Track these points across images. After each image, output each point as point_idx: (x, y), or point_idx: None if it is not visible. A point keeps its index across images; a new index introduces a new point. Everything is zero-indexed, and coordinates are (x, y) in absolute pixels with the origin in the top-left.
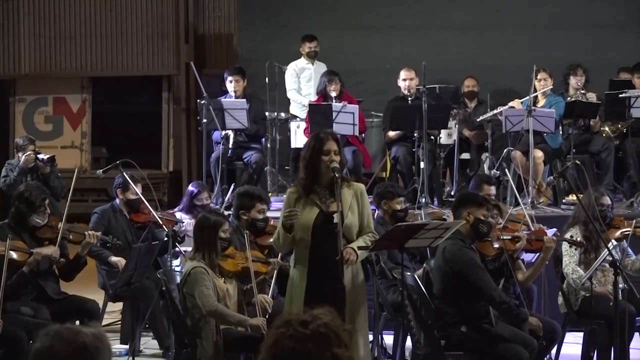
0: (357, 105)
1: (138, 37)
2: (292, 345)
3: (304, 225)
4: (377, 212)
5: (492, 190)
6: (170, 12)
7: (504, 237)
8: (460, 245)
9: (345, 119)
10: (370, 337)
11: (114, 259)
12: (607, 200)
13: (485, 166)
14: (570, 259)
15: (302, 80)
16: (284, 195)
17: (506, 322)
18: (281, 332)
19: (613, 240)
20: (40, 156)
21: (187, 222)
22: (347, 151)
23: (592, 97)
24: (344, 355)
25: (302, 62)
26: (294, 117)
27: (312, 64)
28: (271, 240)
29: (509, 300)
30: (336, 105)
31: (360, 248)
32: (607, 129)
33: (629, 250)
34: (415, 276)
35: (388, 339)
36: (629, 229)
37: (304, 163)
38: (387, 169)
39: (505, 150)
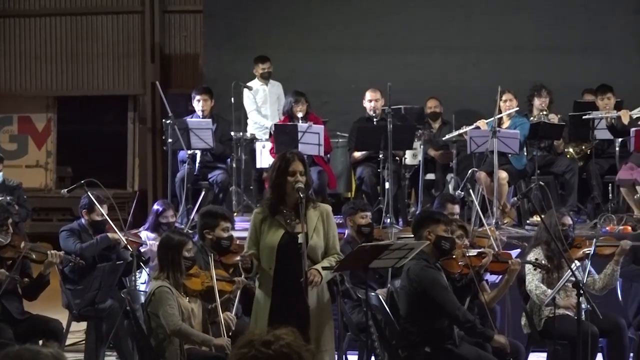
0: (322, 126)
1: (104, 56)
2: None
3: (269, 246)
4: (347, 231)
5: (456, 209)
6: (136, 31)
7: (470, 254)
8: (423, 265)
9: (311, 139)
10: (335, 358)
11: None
12: (568, 220)
13: (450, 186)
14: (533, 277)
15: (258, 102)
16: (249, 215)
17: (472, 341)
18: (243, 352)
19: (576, 261)
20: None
21: (151, 242)
22: (312, 171)
23: (553, 118)
24: None
25: (256, 83)
26: (256, 138)
27: (266, 84)
28: (236, 258)
29: (473, 319)
30: (302, 125)
31: (324, 269)
32: (571, 150)
33: (591, 269)
34: (380, 296)
35: (352, 359)
36: (590, 248)
37: (270, 183)
38: (352, 189)
39: (469, 171)
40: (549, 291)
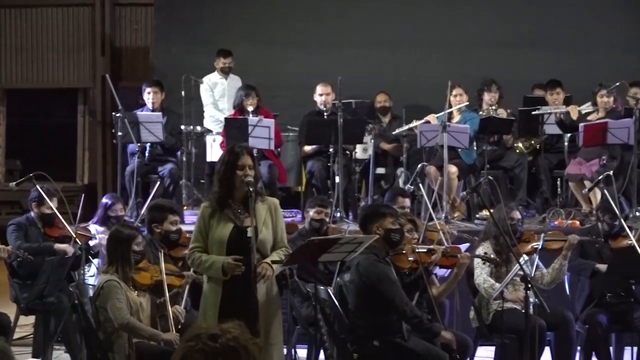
0: (273, 120)
1: (54, 49)
2: (202, 359)
3: (218, 241)
4: (303, 225)
5: (407, 202)
6: (87, 24)
7: (419, 250)
8: (373, 260)
9: (261, 133)
10: (284, 351)
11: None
12: (517, 214)
13: (401, 181)
14: (481, 270)
15: (216, 95)
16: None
17: (419, 336)
18: (190, 345)
19: (524, 255)
20: None
21: (100, 236)
22: (262, 165)
23: (502, 113)
24: None
25: (215, 76)
26: (210, 131)
27: (226, 79)
28: (185, 252)
29: (420, 314)
30: (252, 119)
31: (274, 262)
32: (520, 145)
33: (540, 263)
34: (329, 290)
35: (302, 353)
36: (539, 242)
37: (218, 177)
38: (303, 183)
39: (419, 165)
40: (497, 285)
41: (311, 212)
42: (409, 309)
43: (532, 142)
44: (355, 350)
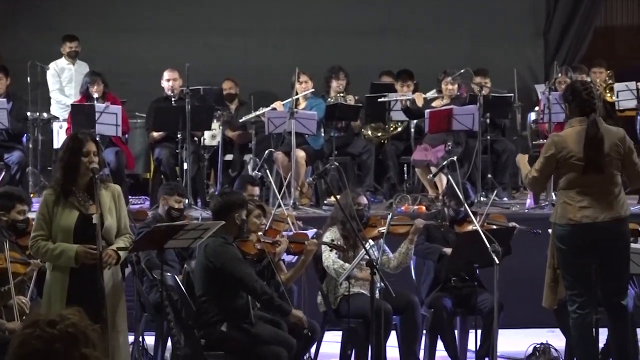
0: (120, 106)
1: None
2: (40, 346)
3: (64, 229)
4: (158, 209)
5: (256, 190)
6: None
7: (265, 241)
8: (221, 242)
9: (109, 119)
10: (132, 339)
11: None
12: (363, 199)
13: (249, 167)
14: (329, 253)
15: (63, 81)
16: None
17: (267, 319)
18: (28, 332)
19: (370, 240)
20: None
21: None
22: (110, 152)
23: (350, 99)
24: (93, 355)
25: (62, 62)
26: (56, 117)
27: (73, 64)
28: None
29: (271, 292)
30: (99, 105)
31: (120, 249)
32: (369, 132)
33: (386, 248)
34: (176, 277)
35: (150, 340)
36: (385, 227)
37: (61, 164)
38: (151, 170)
39: (266, 152)
40: (347, 265)
41: (171, 201)
42: (258, 286)
43: (390, 129)
44: (203, 336)
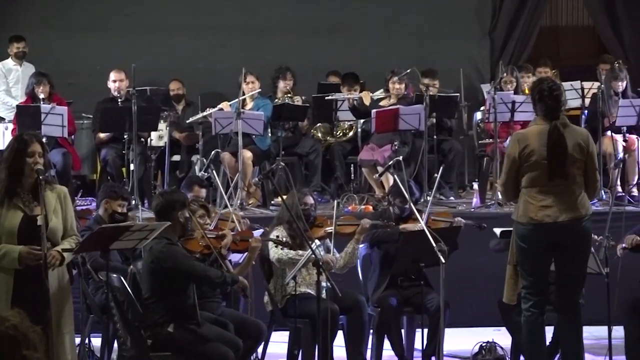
0: (66, 107)
1: None
2: None
3: (8, 230)
4: (97, 211)
5: (203, 192)
6: None
7: (209, 236)
8: (165, 243)
9: (55, 120)
10: (78, 340)
11: None
12: (310, 199)
13: (197, 168)
14: (276, 249)
15: (10, 82)
16: None
17: (211, 319)
18: None
19: (317, 240)
20: None
21: None
22: (56, 153)
23: (297, 100)
24: (34, 356)
25: (9, 63)
26: (2, 119)
27: (20, 65)
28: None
29: (221, 273)
30: (45, 107)
31: (65, 250)
32: (319, 134)
33: (333, 248)
34: (122, 278)
35: (96, 342)
36: (332, 227)
37: (6, 165)
38: (98, 171)
39: (213, 152)
40: (300, 252)
41: (114, 205)
42: (210, 273)
43: (345, 129)
44: (149, 337)
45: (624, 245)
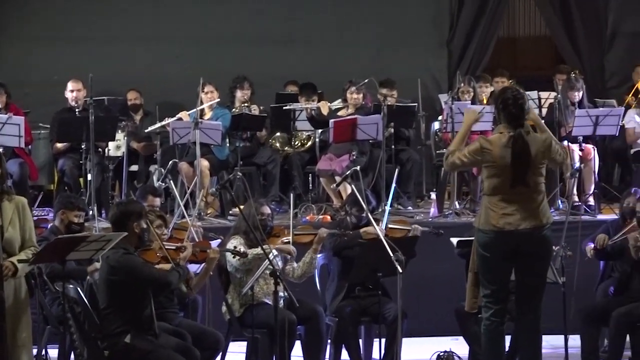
0: (23, 117)
1: None
2: None
3: None
4: (54, 222)
5: (157, 201)
6: None
7: (168, 247)
8: (122, 253)
9: (11, 130)
10: (35, 352)
11: None
12: (267, 209)
13: (155, 178)
14: (232, 258)
15: None
16: None
17: (170, 330)
18: None
19: (274, 250)
20: None
21: None
22: (13, 163)
23: (255, 109)
24: None
25: None
26: None
27: None
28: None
29: (181, 271)
30: (1, 117)
31: (20, 261)
32: (278, 144)
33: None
34: (78, 289)
35: (53, 353)
36: (289, 237)
37: None
38: (55, 181)
39: (171, 162)
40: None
41: (70, 215)
42: (170, 277)
43: (304, 140)
44: (106, 348)
45: (591, 244)
